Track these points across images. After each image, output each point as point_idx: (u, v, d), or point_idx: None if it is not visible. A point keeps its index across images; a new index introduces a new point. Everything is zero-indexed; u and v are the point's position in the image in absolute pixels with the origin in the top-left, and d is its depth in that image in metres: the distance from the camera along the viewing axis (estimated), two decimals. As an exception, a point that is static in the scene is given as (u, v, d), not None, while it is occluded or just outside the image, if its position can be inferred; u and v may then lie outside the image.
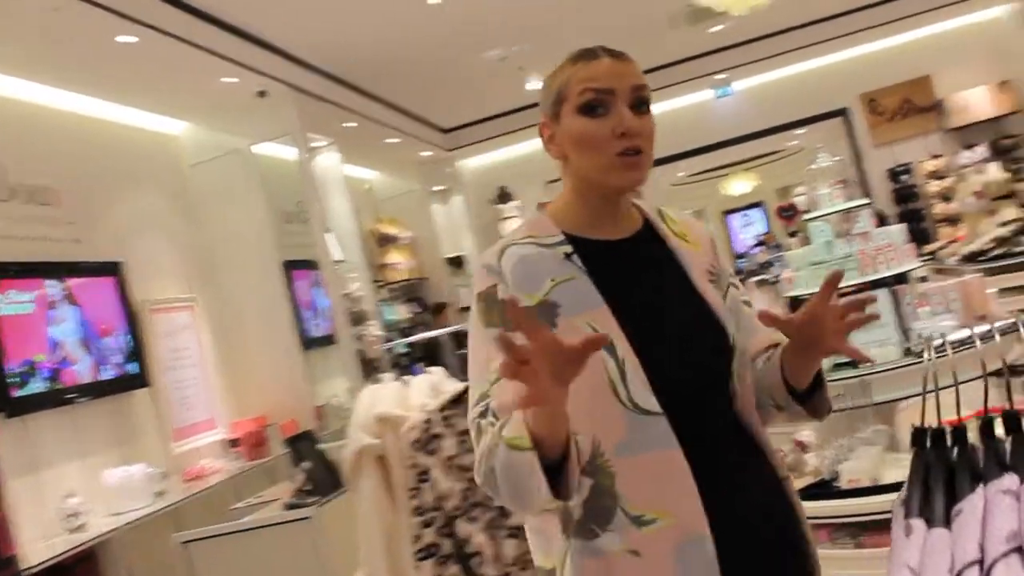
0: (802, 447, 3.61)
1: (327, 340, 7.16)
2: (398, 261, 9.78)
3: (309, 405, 6.68)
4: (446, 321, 9.72)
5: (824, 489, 3.40)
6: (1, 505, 4.15)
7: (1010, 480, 1.40)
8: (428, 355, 5.44)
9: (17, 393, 4.60)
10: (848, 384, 3.42)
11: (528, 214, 10.71)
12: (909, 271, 3.86)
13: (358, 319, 7.15)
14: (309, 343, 7.04)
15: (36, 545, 4.38)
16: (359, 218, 8.38)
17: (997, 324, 3.45)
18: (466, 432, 2.83)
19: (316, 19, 6.32)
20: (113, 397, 5.38)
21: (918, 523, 1.47)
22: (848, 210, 3.91)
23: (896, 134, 10.53)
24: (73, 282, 5.19)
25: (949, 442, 1.56)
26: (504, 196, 11.05)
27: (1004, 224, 7.77)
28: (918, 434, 1.61)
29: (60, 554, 4.27)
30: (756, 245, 11.54)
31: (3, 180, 4.97)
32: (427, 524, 2.77)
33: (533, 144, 10.69)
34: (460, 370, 2.35)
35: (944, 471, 1.53)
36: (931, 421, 1.62)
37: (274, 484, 5.20)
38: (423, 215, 10.60)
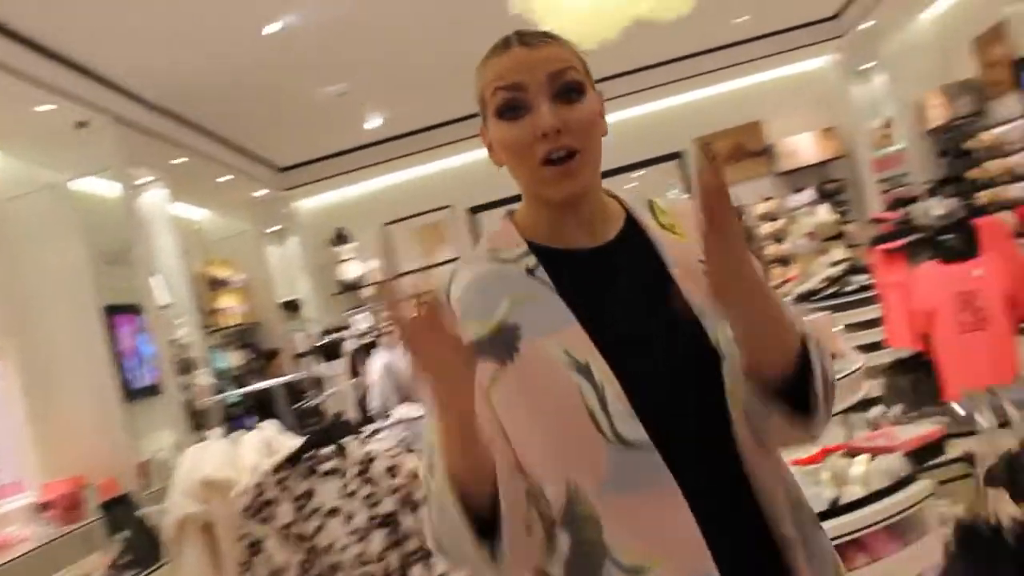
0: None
1: (152, 390, 6.69)
2: (230, 305, 9.35)
3: (132, 461, 6.17)
4: (280, 368, 9.34)
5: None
6: None
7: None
8: (261, 407, 5.09)
9: None
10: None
11: (366, 256, 10.64)
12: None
13: (186, 367, 6.76)
14: (132, 394, 6.55)
15: None
16: (188, 260, 7.94)
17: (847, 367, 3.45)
18: (304, 496, 2.57)
19: (142, 45, 5.95)
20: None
21: None
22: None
23: (729, 177, 10.80)
24: None
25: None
26: (341, 238, 10.78)
27: (835, 264, 8.02)
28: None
29: None
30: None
31: None
32: (260, 601, 2.48)
33: (372, 184, 10.55)
34: (297, 425, 2.13)
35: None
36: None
37: (91, 553, 4.74)
38: (257, 257, 10.19)
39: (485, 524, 1.16)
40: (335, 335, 7.10)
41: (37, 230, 6.36)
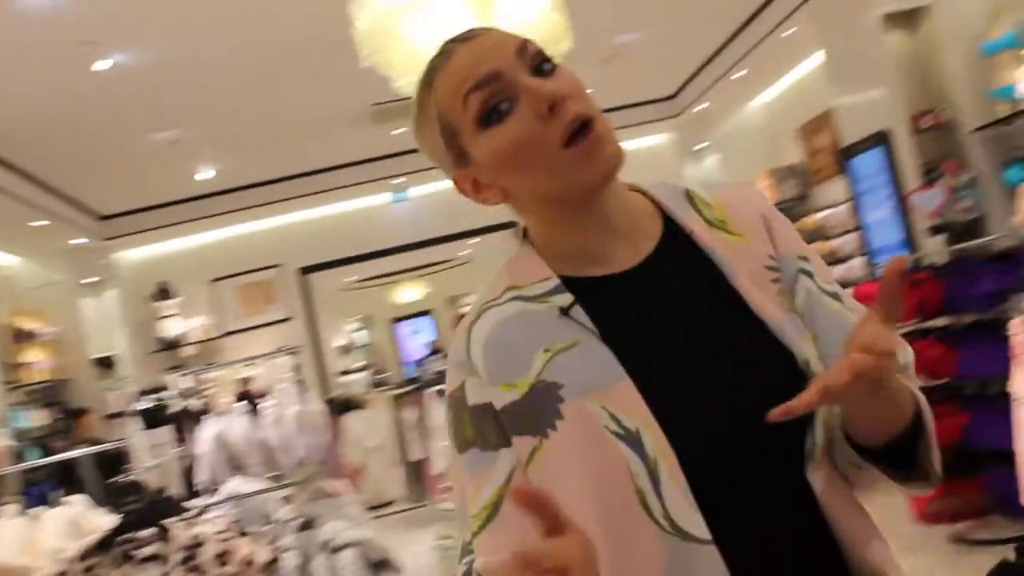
0: None
1: (-61, 452, 6.04)
2: (37, 359, 8.71)
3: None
4: (89, 429, 8.68)
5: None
6: None
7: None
8: (67, 475, 4.52)
9: None
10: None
11: (189, 313, 10.04)
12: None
13: (-20, 427, 6.11)
14: (-87, 456, 5.89)
15: None
16: (-8, 309, 7.32)
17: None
18: (116, 587, 2.24)
19: (-51, 74, 5.44)
20: None
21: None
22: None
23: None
24: None
25: None
26: (164, 293, 10.20)
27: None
28: None
29: None
30: (431, 353, 11.42)
31: None
32: None
33: (200, 238, 10.08)
34: (108, 500, 1.83)
35: None
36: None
37: None
38: (70, 309, 9.51)
39: None
40: (156, 397, 6.58)
41: None
